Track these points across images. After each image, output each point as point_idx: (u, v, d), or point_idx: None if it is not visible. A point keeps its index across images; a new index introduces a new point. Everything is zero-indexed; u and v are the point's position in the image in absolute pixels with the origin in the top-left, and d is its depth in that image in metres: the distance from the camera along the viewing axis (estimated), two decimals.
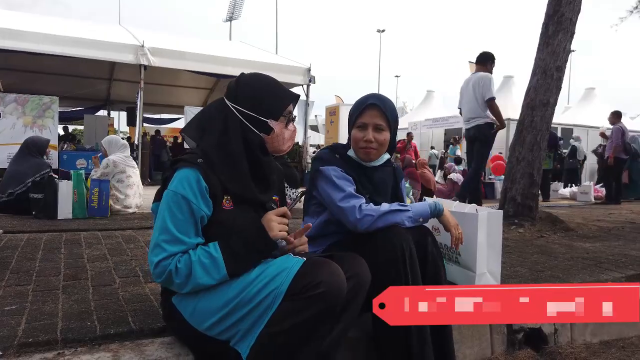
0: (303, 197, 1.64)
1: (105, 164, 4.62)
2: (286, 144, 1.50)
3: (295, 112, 1.54)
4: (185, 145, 1.66)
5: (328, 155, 1.77)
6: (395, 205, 1.67)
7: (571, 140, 11.54)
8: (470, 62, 13.24)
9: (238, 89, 1.45)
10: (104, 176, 4.55)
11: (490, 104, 5.00)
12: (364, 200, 1.66)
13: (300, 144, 11.45)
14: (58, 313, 1.67)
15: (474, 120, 5.15)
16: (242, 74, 1.50)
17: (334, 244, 1.73)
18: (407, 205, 1.70)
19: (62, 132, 13.08)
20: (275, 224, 1.35)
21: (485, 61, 5.22)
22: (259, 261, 1.34)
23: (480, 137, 5.12)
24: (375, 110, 1.73)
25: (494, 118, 5.07)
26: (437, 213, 1.75)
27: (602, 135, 9.69)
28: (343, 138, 11.26)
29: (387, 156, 1.84)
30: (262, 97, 1.44)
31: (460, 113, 5.61)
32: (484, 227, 2.05)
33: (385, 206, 1.65)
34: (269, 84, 1.47)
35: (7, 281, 2.08)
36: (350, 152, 1.81)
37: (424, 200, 2.32)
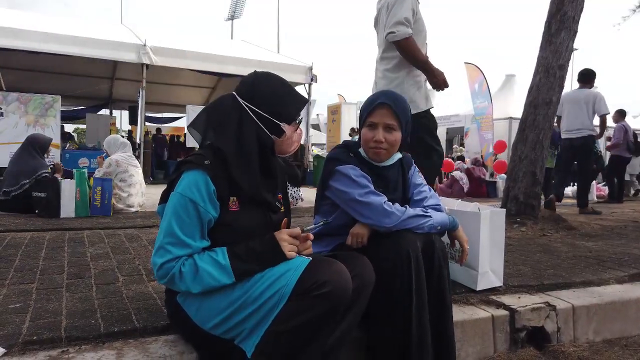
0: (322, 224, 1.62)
1: (108, 163, 4.63)
2: (292, 146, 1.51)
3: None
4: (189, 144, 1.65)
5: (343, 155, 1.74)
6: (419, 211, 1.67)
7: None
8: (465, 63, 13.11)
9: (255, 90, 1.42)
10: (107, 175, 4.56)
11: (604, 118, 6.15)
12: (387, 199, 1.66)
13: (302, 143, 11.44)
14: (62, 311, 1.67)
15: (581, 131, 6.02)
16: (256, 72, 1.49)
17: (343, 244, 1.71)
18: (429, 213, 1.69)
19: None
20: (287, 244, 1.34)
21: (591, 79, 6.15)
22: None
23: (585, 147, 6.07)
24: (385, 109, 1.68)
25: (597, 130, 6.22)
26: (452, 227, 1.76)
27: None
28: (345, 137, 11.23)
29: (398, 155, 1.80)
30: (281, 101, 1.43)
31: (557, 122, 6.32)
32: (486, 226, 2.05)
33: (410, 210, 1.65)
34: (286, 88, 1.46)
35: (11, 279, 2.09)
36: (362, 151, 1.78)
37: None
